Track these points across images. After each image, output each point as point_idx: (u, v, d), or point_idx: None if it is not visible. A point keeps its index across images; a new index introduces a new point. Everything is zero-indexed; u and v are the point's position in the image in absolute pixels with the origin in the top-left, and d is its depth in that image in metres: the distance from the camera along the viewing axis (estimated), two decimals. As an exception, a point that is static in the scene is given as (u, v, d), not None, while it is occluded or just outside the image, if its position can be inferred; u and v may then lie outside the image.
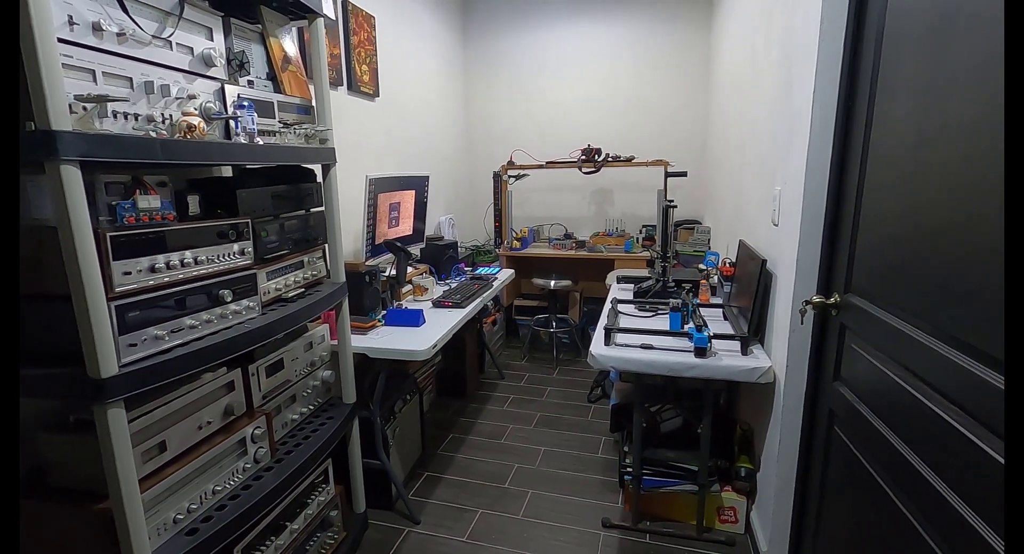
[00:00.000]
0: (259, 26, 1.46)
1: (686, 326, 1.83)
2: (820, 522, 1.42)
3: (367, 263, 2.26)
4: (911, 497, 0.97)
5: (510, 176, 3.75)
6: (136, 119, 1.03)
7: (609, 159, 3.52)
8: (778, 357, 1.60)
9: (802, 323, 1.44)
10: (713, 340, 1.69)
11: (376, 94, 2.77)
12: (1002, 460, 0.73)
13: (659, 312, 2.17)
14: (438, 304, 2.32)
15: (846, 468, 1.26)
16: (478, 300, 2.43)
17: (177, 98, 1.12)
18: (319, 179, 1.66)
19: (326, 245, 1.69)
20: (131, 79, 1.03)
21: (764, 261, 1.69)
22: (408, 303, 2.38)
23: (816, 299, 1.35)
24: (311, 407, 1.67)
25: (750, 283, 1.80)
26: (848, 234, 1.30)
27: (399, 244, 2.31)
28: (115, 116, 0.98)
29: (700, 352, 1.65)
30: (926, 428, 0.93)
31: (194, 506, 1.17)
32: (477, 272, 2.99)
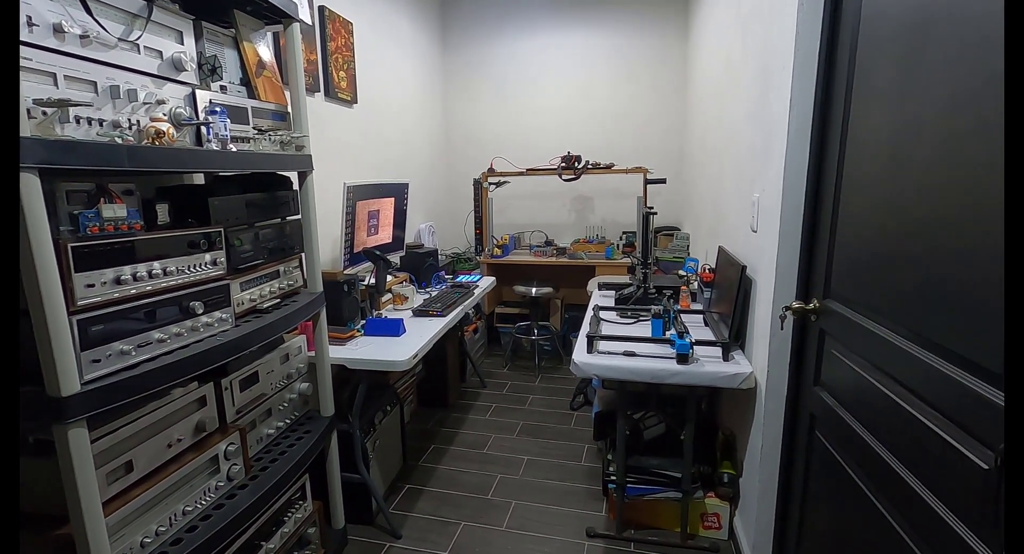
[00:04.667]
0: (232, 31, 1.43)
1: (668, 333, 1.83)
2: (803, 526, 1.42)
3: (345, 272, 2.22)
4: (891, 500, 0.98)
5: (491, 183, 3.74)
6: (101, 125, 0.98)
7: (589, 166, 3.54)
8: (759, 363, 1.61)
9: (782, 329, 1.45)
10: (695, 346, 1.69)
11: (354, 100, 2.73)
12: (982, 464, 0.73)
13: (641, 319, 2.17)
14: (419, 313, 2.28)
15: (827, 472, 1.27)
16: (459, 308, 2.41)
17: (145, 103, 1.08)
18: (296, 187, 1.63)
19: (303, 254, 1.66)
20: (95, 83, 0.99)
21: (744, 267, 1.71)
22: (388, 312, 2.34)
23: (795, 305, 1.36)
24: (288, 421, 1.62)
25: (730, 289, 1.81)
26: (826, 240, 1.31)
27: (378, 253, 2.28)
28: (78, 122, 0.94)
29: (682, 358, 1.66)
30: (905, 431, 0.94)
31: (163, 528, 1.12)
32: (458, 280, 2.97)
